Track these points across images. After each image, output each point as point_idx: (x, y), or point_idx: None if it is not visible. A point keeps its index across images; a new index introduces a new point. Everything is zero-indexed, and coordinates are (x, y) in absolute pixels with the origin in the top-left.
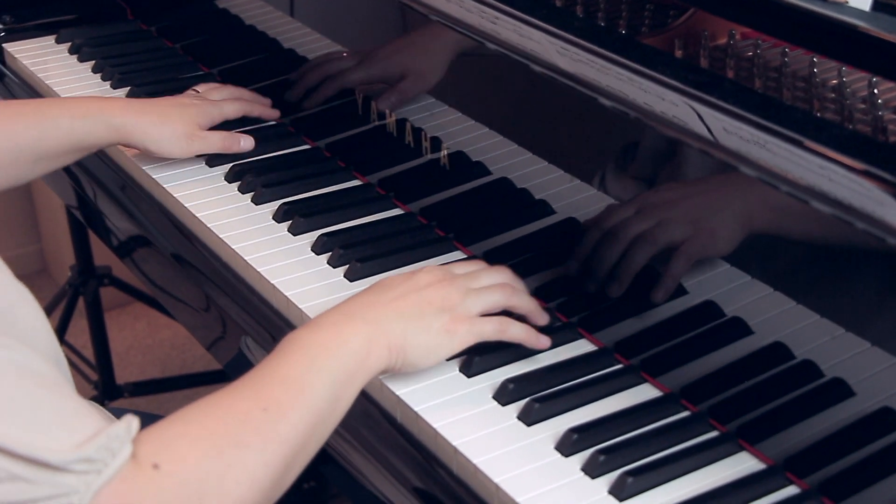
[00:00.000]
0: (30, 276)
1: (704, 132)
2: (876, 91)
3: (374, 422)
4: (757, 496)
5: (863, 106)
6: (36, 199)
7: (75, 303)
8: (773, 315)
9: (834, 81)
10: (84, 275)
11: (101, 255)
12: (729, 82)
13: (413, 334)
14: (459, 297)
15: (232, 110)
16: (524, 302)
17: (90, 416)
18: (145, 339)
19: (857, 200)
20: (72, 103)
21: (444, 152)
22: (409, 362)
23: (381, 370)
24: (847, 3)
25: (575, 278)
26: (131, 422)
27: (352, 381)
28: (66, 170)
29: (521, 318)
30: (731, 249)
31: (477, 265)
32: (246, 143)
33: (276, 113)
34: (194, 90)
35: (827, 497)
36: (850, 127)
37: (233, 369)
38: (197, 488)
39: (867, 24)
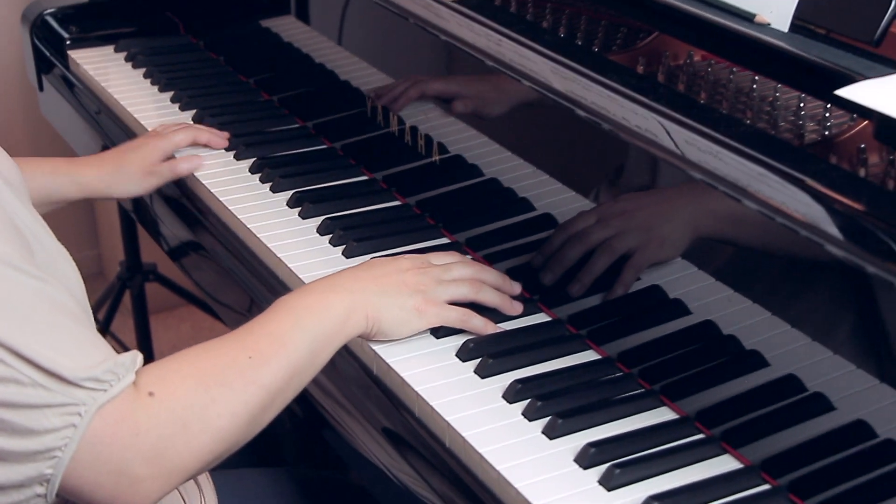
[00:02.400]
0: (87, 277)
1: (670, 144)
2: (802, 105)
3: (357, 375)
4: (733, 492)
5: (792, 118)
6: (96, 206)
7: (122, 295)
8: (749, 323)
9: (770, 98)
10: (131, 270)
11: (148, 252)
12: (689, 100)
13: (388, 308)
14: (432, 284)
15: (182, 138)
16: (489, 297)
17: (104, 348)
18: (189, 340)
19: (791, 203)
20: (46, 162)
21: (437, 158)
22: (382, 331)
23: (358, 335)
24: (769, 24)
25: (540, 270)
26: (136, 356)
27: (331, 341)
28: None
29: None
30: (680, 253)
31: (453, 257)
32: (189, 164)
33: (223, 142)
34: (155, 129)
35: (793, 494)
36: (773, 133)
37: None
38: (183, 415)
39: (785, 43)
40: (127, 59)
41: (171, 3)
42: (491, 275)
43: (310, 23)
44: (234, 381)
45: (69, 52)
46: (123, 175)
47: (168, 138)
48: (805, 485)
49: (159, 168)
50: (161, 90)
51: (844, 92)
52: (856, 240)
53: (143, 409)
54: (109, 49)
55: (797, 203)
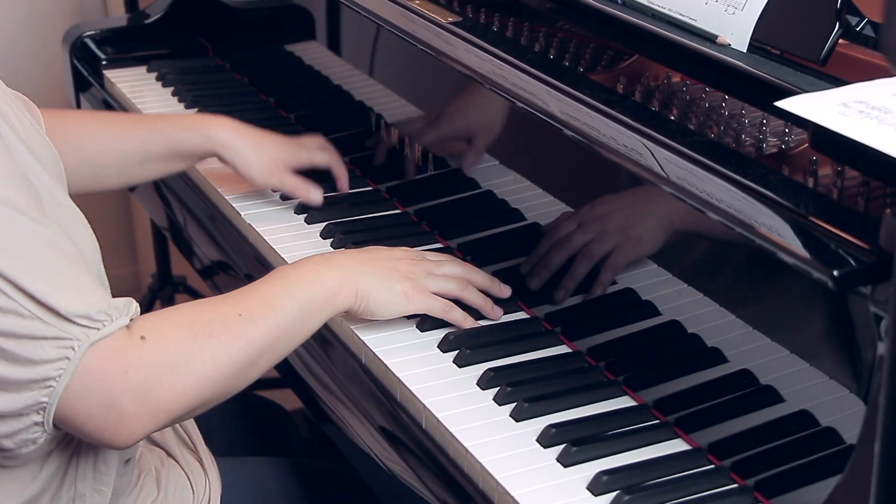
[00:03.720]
0: (125, 293)
1: (654, 164)
2: (765, 122)
3: (348, 366)
4: (679, 471)
5: (757, 134)
6: (135, 226)
7: (153, 306)
8: (712, 325)
9: (738, 115)
10: (162, 281)
11: (178, 265)
12: (669, 121)
13: (377, 289)
14: (422, 274)
15: (320, 159)
16: (473, 296)
17: (101, 292)
18: None
19: (757, 217)
20: (179, 116)
21: (432, 171)
22: (370, 310)
23: (346, 309)
24: (730, 45)
25: (526, 276)
26: (131, 303)
27: (320, 310)
28: (161, 197)
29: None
30: (657, 249)
31: (446, 256)
32: (315, 195)
33: (345, 188)
34: (294, 138)
35: (734, 473)
36: (735, 147)
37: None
38: (171, 359)
39: (743, 62)
40: (157, 79)
41: (202, 28)
42: (480, 276)
43: (337, 50)
44: (223, 334)
45: (105, 72)
46: (256, 156)
47: (310, 153)
48: (747, 465)
49: (285, 176)
50: (187, 107)
51: (783, 103)
52: (806, 246)
53: (134, 350)
54: (142, 69)
55: (762, 216)
